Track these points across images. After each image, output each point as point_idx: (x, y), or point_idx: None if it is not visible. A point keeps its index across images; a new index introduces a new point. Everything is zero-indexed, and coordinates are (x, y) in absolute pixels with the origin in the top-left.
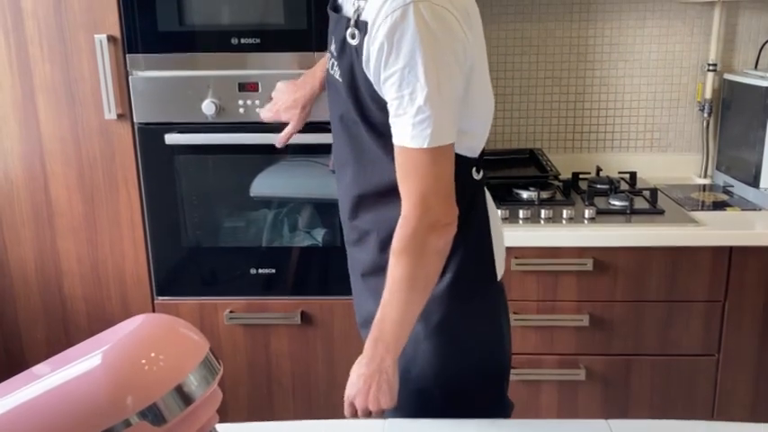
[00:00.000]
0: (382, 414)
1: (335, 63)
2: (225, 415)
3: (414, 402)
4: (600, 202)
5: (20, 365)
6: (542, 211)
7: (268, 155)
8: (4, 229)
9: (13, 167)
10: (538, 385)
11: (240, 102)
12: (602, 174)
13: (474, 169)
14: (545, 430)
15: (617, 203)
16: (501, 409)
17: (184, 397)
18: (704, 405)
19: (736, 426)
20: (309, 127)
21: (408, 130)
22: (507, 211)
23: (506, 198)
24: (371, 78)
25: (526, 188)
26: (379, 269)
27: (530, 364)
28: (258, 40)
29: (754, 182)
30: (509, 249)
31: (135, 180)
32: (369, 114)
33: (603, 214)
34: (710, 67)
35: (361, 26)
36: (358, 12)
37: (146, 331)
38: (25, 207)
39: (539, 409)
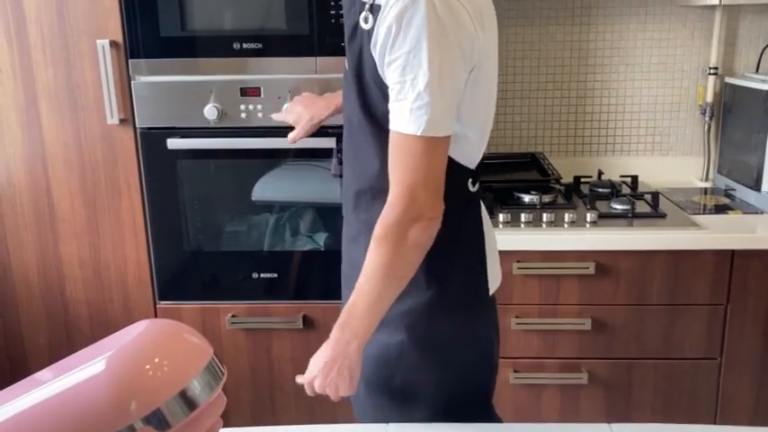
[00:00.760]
0: (341, 400)
1: (346, 53)
2: (227, 419)
3: (397, 411)
4: (601, 205)
5: (22, 370)
6: (544, 215)
7: (270, 159)
8: (6, 234)
9: (15, 172)
10: (540, 389)
11: (242, 106)
12: (603, 177)
13: (470, 181)
14: None
15: (619, 207)
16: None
17: (188, 402)
18: (707, 409)
19: (738, 429)
20: None
21: (405, 116)
22: (509, 215)
23: (508, 202)
24: (377, 60)
25: (528, 192)
26: None
27: (532, 368)
28: (260, 45)
29: (756, 185)
30: (511, 253)
31: (137, 185)
32: (371, 103)
33: (605, 218)
34: (711, 71)
35: (376, 10)
36: None
37: (149, 336)
38: (28, 212)
39: (541, 413)
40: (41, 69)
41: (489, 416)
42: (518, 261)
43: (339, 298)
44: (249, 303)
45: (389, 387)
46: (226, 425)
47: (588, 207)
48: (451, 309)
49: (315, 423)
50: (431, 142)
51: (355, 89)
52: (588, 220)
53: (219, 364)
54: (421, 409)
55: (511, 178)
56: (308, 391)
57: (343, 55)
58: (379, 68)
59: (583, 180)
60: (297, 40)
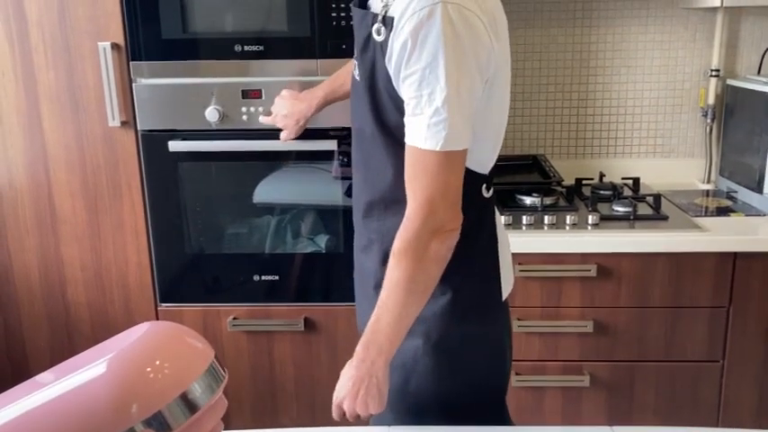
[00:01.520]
0: (370, 418)
1: (357, 63)
2: (228, 421)
3: (411, 417)
4: (603, 208)
5: (23, 372)
6: (546, 218)
7: (271, 161)
8: (8, 237)
9: (17, 174)
10: (542, 392)
11: (243, 109)
12: (605, 180)
13: (484, 186)
14: None
15: (620, 209)
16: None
17: (189, 405)
18: (709, 411)
19: None
20: (312, 134)
21: (423, 131)
22: (510, 218)
23: (510, 204)
24: (392, 74)
25: (529, 194)
26: (381, 284)
27: (534, 371)
28: (261, 48)
29: (758, 187)
30: (513, 255)
31: (138, 187)
32: (384, 116)
33: (607, 220)
34: (713, 73)
35: (388, 22)
36: (386, 7)
37: (151, 339)
38: (29, 214)
39: (543, 416)
40: (43, 72)
41: (502, 420)
42: (520, 263)
43: (340, 300)
44: (250, 306)
45: (404, 393)
46: (227, 427)
47: (590, 209)
48: (465, 314)
49: (316, 426)
50: (449, 156)
51: (368, 100)
52: (590, 222)
53: (220, 367)
54: (435, 414)
55: (512, 180)
56: (335, 415)
57: (344, 57)
58: (393, 82)
59: (584, 182)
60: (298, 42)
